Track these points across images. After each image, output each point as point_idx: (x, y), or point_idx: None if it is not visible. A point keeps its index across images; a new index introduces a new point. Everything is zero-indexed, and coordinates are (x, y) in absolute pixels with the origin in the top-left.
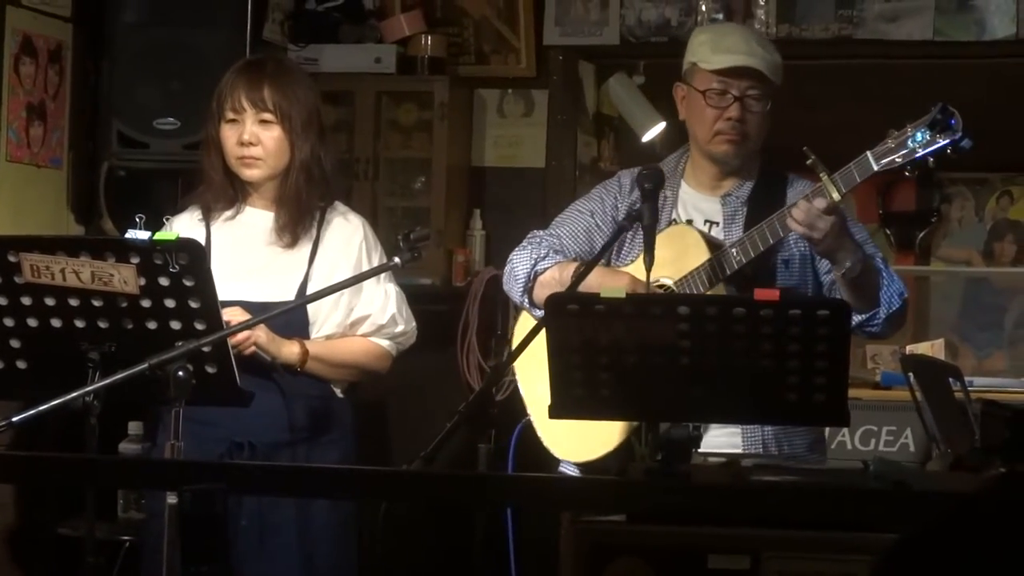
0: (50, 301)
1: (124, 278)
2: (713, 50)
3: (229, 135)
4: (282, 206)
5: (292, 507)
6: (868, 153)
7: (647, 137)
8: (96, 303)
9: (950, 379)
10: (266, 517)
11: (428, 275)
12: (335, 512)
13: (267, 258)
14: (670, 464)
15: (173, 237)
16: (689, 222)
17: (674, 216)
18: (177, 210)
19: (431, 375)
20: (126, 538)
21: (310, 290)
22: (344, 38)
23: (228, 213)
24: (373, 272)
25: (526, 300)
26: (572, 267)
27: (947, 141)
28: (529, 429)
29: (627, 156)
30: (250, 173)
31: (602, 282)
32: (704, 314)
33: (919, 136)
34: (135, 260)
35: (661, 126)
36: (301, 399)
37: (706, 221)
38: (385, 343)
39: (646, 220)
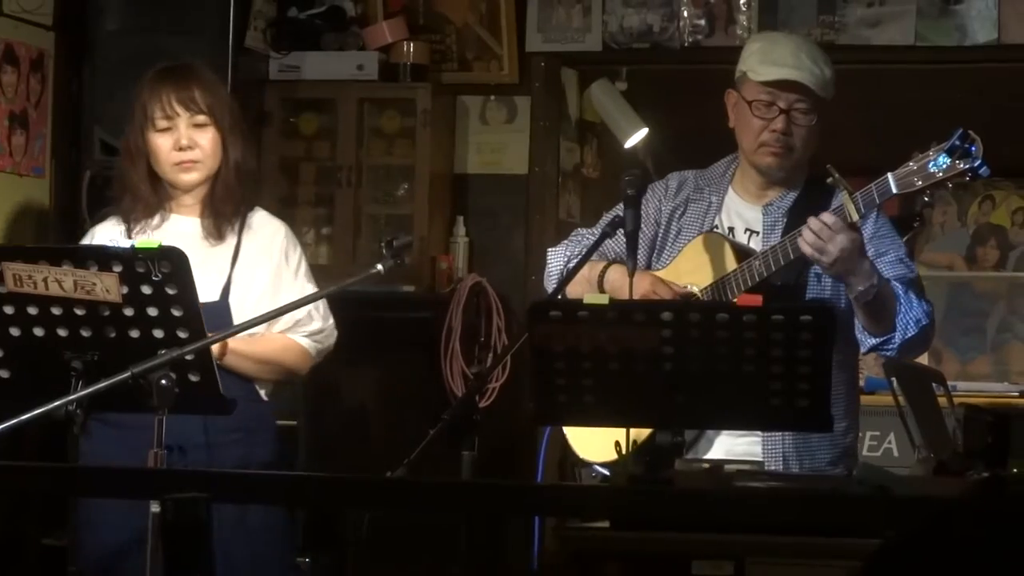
0: (32, 310)
1: (106, 287)
2: (762, 61)
3: (162, 143)
4: (210, 207)
5: (234, 508)
6: (889, 175)
7: (629, 143)
8: (79, 312)
9: (933, 384)
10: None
11: (411, 282)
12: (267, 514)
13: (192, 261)
14: (654, 471)
15: (155, 245)
16: (731, 229)
17: (716, 222)
18: (95, 220)
19: (414, 382)
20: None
21: (233, 291)
22: (326, 45)
23: (153, 221)
24: (358, 280)
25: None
26: (601, 266)
27: (966, 167)
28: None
29: (610, 162)
30: (188, 178)
31: (624, 283)
32: (687, 320)
33: (940, 161)
34: (117, 269)
35: (643, 132)
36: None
37: (747, 230)
38: (304, 341)
39: (628, 226)
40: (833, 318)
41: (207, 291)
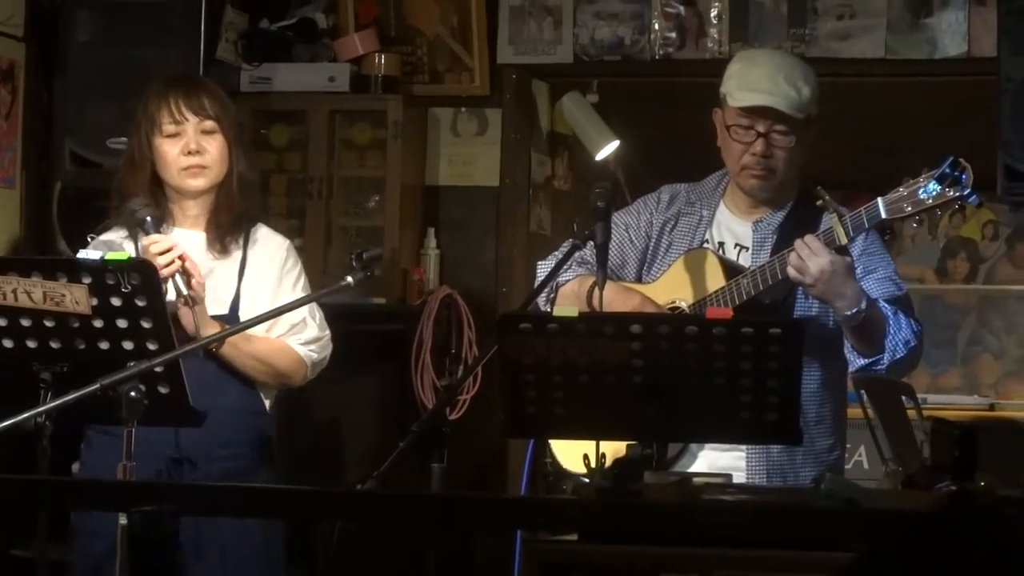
0: (1, 322)
1: (76, 298)
2: (739, 86)
3: (169, 148)
4: (215, 217)
5: (230, 526)
6: (879, 200)
7: (600, 155)
8: (48, 323)
9: (903, 397)
10: (202, 532)
11: (382, 294)
12: (264, 531)
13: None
14: (622, 483)
15: (125, 257)
16: (721, 244)
17: (707, 236)
18: (100, 229)
19: (385, 394)
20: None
21: (242, 305)
22: (298, 57)
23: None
24: (328, 292)
25: (550, 309)
26: (590, 280)
27: (956, 195)
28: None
29: (581, 175)
30: (195, 183)
31: (613, 298)
32: (657, 333)
33: (930, 188)
34: (87, 280)
35: (614, 144)
36: (234, 415)
37: (737, 245)
38: (299, 349)
39: (599, 239)
40: (802, 332)
41: (216, 305)
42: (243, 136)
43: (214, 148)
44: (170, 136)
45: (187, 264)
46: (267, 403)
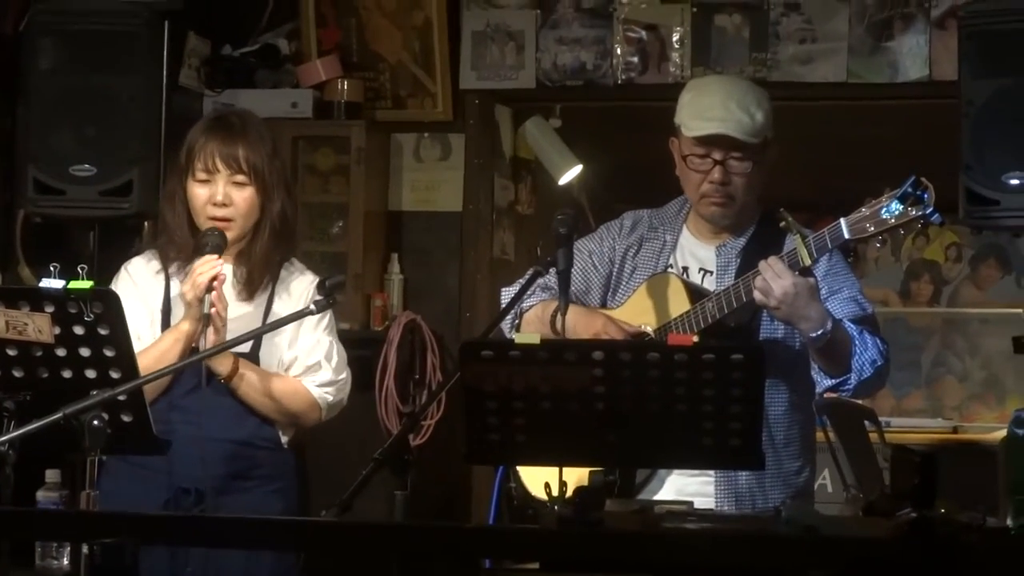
0: None
1: (39, 327)
2: (691, 115)
3: (199, 193)
4: (245, 262)
5: (241, 557)
6: (842, 220)
7: (564, 180)
8: (11, 352)
9: (865, 422)
10: (210, 566)
11: (346, 320)
12: (278, 563)
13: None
14: (583, 512)
15: (87, 286)
16: (685, 269)
17: (671, 262)
18: (132, 254)
19: (349, 419)
20: None
21: (264, 345)
22: (260, 83)
23: (186, 261)
24: (287, 320)
25: (514, 334)
26: (554, 305)
27: (918, 214)
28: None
29: (544, 199)
30: None
31: (576, 321)
32: (618, 360)
33: (893, 207)
34: (49, 309)
35: (577, 169)
36: (247, 447)
37: (700, 269)
38: (315, 390)
39: (560, 265)
40: (763, 358)
41: (238, 346)
42: (283, 176)
43: (242, 201)
44: (201, 182)
45: (215, 293)
46: (284, 438)
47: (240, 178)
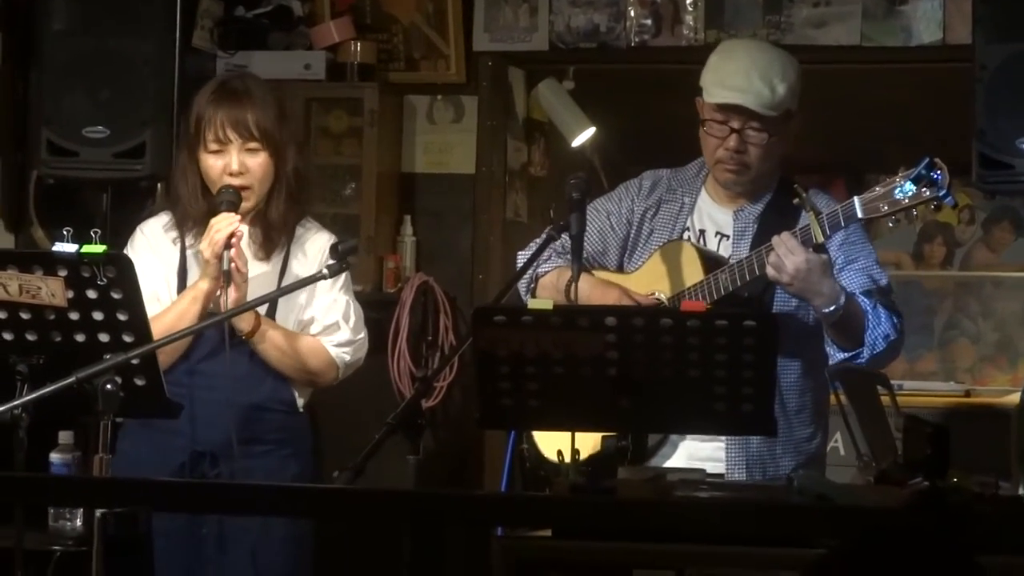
0: None
1: (52, 291)
2: (713, 81)
3: (213, 164)
4: (261, 223)
5: (253, 519)
6: (856, 199)
7: (577, 142)
8: (24, 316)
9: (878, 387)
10: (226, 526)
11: (359, 282)
12: (293, 526)
13: None
14: (595, 480)
15: (101, 250)
16: (702, 232)
17: (688, 224)
18: (145, 215)
19: (362, 382)
20: (56, 548)
21: (280, 305)
22: (273, 45)
23: (201, 228)
24: (300, 283)
25: (530, 299)
26: (568, 274)
27: (931, 196)
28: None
29: (557, 161)
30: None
31: (591, 293)
32: (631, 325)
33: (906, 188)
34: (63, 273)
35: (591, 131)
36: (265, 411)
37: (717, 233)
38: (332, 350)
39: (573, 230)
40: (776, 324)
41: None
42: (293, 134)
43: (258, 167)
44: (214, 152)
45: (234, 249)
46: (300, 401)
47: (253, 144)
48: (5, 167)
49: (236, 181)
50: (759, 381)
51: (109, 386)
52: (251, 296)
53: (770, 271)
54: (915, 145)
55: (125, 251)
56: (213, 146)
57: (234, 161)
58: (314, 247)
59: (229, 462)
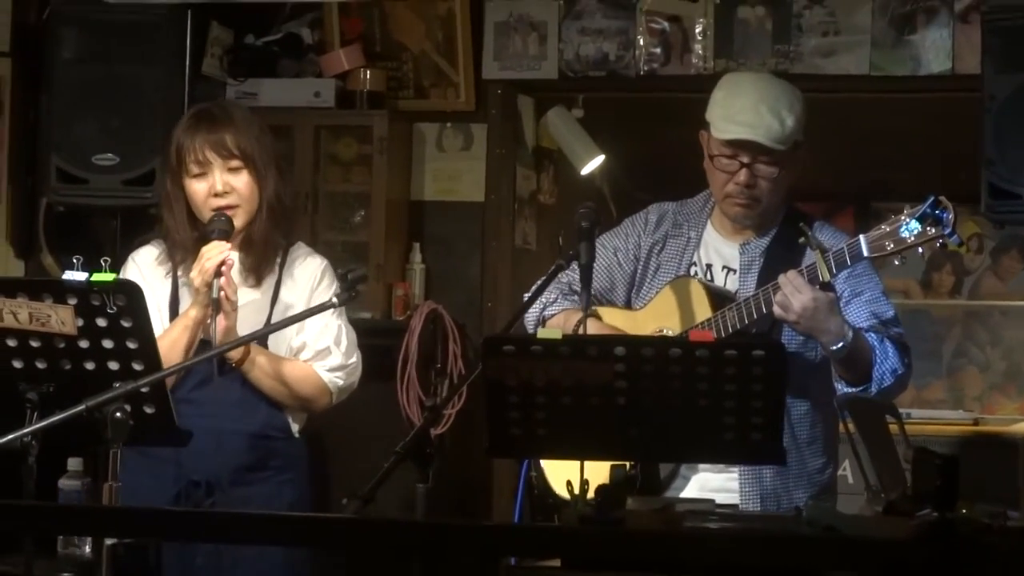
0: None
1: (62, 319)
2: (722, 116)
3: (198, 189)
4: (248, 248)
5: (252, 549)
6: (861, 237)
7: (586, 170)
8: (34, 344)
9: (887, 416)
10: (223, 556)
11: (367, 309)
12: (291, 553)
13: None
14: (604, 511)
15: (111, 278)
16: (708, 267)
17: (695, 259)
18: (137, 244)
19: (371, 409)
20: (65, 575)
21: (272, 334)
22: (283, 72)
23: (192, 258)
24: (311, 312)
25: (539, 330)
26: (576, 317)
27: (937, 234)
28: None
29: (566, 189)
30: None
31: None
32: (640, 355)
33: (912, 226)
34: (72, 301)
35: (599, 159)
36: (259, 438)
37: (724, 267)
38: (324, 375)
39: (583, 259)
40: (784, 354)
41: (248, 332)
42: (273, 159)
43: (242, 185)
44: (196, 176)
45: (224, 278)
46: (295, 427)
47: (234, 163)
48: (15, 194)
49: (222, 202)
50: (768, 410)
51: (119, 414)
52: (241, 323)
53: (777, 310)
54: (923, 174)
55: None
56: (195, 170)
57: (218, 181)
58: (304, 272)
59: (224, 491)
